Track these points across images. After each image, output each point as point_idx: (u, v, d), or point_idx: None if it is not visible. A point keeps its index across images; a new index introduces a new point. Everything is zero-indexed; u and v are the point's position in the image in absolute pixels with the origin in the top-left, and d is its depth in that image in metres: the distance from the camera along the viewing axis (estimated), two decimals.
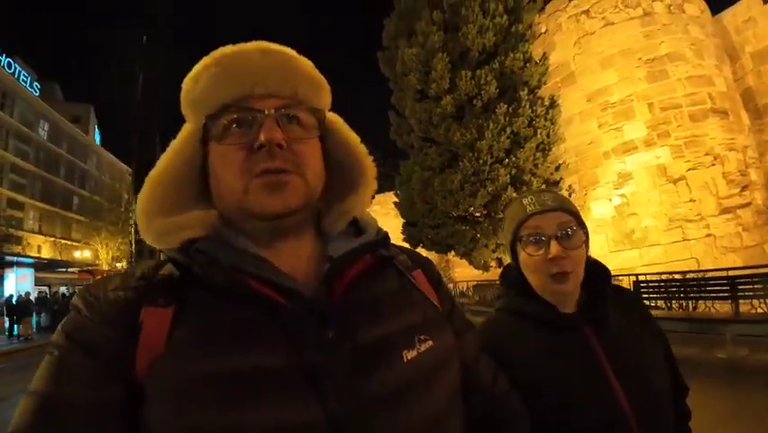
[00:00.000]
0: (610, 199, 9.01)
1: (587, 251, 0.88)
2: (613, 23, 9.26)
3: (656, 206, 8.51)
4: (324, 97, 0.62)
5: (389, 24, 10.73)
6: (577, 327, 0.85)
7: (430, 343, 0.55)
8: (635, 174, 8.71)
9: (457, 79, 8.51)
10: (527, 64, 8.59)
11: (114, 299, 0.49)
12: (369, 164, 0.65)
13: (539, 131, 8.14)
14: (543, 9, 10.07)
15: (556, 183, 8.60)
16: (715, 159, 8.60)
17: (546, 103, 8.61)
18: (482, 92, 8.29)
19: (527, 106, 8.11)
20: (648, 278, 7.43)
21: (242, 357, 0.45)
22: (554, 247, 0.83)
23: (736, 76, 10.41)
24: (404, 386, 0.50)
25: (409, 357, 0.52)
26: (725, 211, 8.46)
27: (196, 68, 0.57)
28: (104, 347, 0.46)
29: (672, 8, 9.46)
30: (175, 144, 0.59)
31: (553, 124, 8.37)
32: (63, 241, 30.74)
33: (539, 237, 0.85)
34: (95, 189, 34.24)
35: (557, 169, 8.58)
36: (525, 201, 0.90)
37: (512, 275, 0.97)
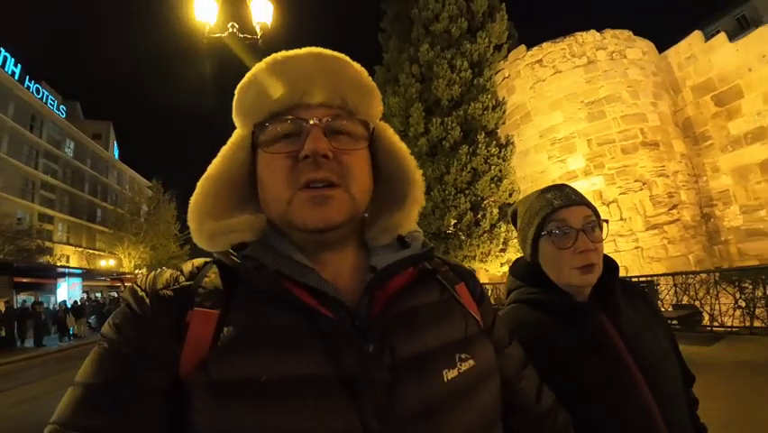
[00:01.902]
0: None
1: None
2: (561, 71, 11.12)
3: None
4: (375, 106, 0.61)
5: (379, 72, 12.80)
6: (593, 314, 0.86)
7: (471, 362, 0.54)
8: None
9: (429, 125, 10.57)
10: (485, 111, 10.63)
11: (163, 296, 0.50)
12: (418, 178, 0.63)
13: (493, 167, 10.18)
14: (506, 57, 11.96)
15: (509, 205, 10.59)
16: (644, 184, 10.41)
17: (502, 142, 10.58)
18: (449, 135, 10.35)
19: (484, 147, 10.14)
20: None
21: (282, 364, 0.45)
22: (583, 240, 0.84)
23: (678, 107, 12.10)
24: (441, 404, 0.49)
25: (450, 377, 0.51)
26: (652, 227, 10.26)
27: (248, 75, 0.57)
28: (151, 343, 0.47)
29: (614, 55, 11.26)
30: (225, 150, 0.59)
31: (504, 161, 10.38)
32: (89, 251, 33.17)
33: (569, 230, 0.86)
34: (116, 202, 36.91)
35: (510, 195, 10.53)
36: (548, 195, 0.92)
37: (522, 268, 1.00)
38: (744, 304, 6.45)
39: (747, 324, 6.30)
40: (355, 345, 0.48)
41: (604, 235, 0.88)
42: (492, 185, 10.23)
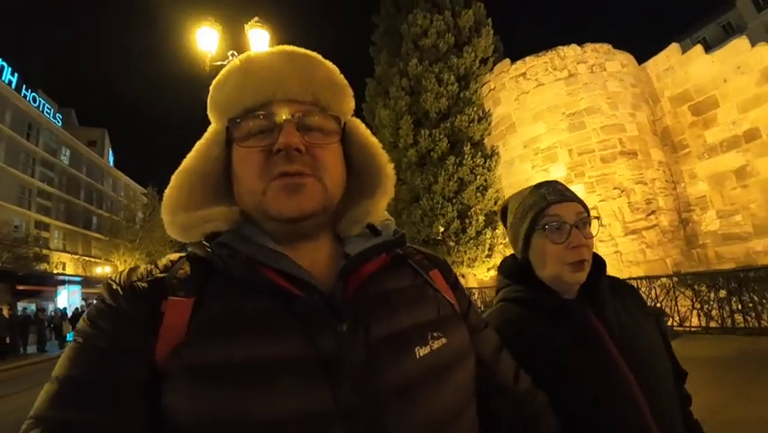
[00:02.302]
0: None
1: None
2: (543, 84, 11.62)
3: None
4: (346, 103, 0.62)
5: (371, 85, 13.27)
6: (580, 310, 0.87)
7: (443, 340, 0.55)
8: None
9: (418, 136, 11.03)
10: (471, 123, 11.11)
11: (137, 288, 0.51)
12: (389, 171, 0.65)
13: (478, 176, 10.66)
14: (491, 70, 12.45)
15: (495, 213, 11.04)
16: (622, 191, 10.90)
17: (488, 153, 11.06)
18: (437, 147, 10.82)
19: (470, 158, 10.61)
20: None
21: (258, 346, 0.46)
22: (577, 235, 0.85)
23: (657, 116, 12.61)
24: (416, 381, 0.50)
25: (422, 354, 0.52)
26: (631, 233, 10.74)
27: (223, 72, 0.59)
28: (126, 335, 0.47)
29: (594, 68, 11.76)
30: (199, 145, 0.60)
31: (489, 171, 10.87)
32: (85, 258, 33.31)
33: (562, 225, 0.86)
34: (111, 209, 37.00)
35: (495, 203, 11.01)
36: (541, 191, 0.92)
37: (510, 266, 1.00)
38: (699, 306, 6.93)
39: (704, 324, 6.78)
40: (330, 325, 0.49)
41: (594, 232, 0.89)
42: (478, 194, 10.72)
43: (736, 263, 10.47)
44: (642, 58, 12.86)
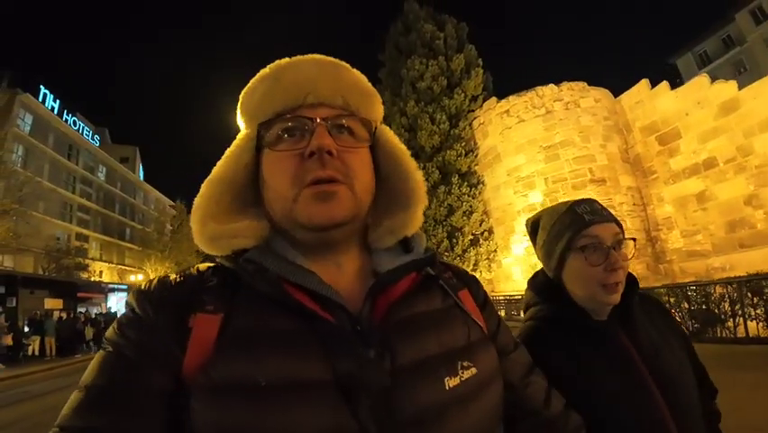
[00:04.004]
0: (522, 243, 13.05)
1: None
2: (524, 120, 13.37)
3: None
4: (375, 109, 0.62)
5: None
6: (611, 332, 0.86)
7: (474, 370, 0.53)
8: None
9: None
10: (459, 157, 12.99)
11: (167, 299, 0.51)
12: (419, 179, 0.63)
13: (464, 203, 12.48)
14: (481, 106, 14.27)
15: (481, 234, 12.84)
16: None
17: (473, 182, 12.88)
18: (430, 177, 12.75)
19: (457, 187, 12.46)
20: None
21: (280, 367, 0.45)
22: (615, 257, 0.83)
23: (629, 145, 14.10)
24: (440, 411, 0.49)
25: (451, 385, 0.50)
26: None
27: (253, 80, 0.59)
28: (153, 345, 0.47)
29: (569, 105, 13.41)
30: (229, 152, 0.59)
31: (474, 198, 12.68)
32: (120, 266, 36.18)
33: (601, 247, 0.84)
34: (143, 221, 40.02)
35: (480, 225, 12.81)
36: (578, 210, 0.89)
37: (541, 282, 0.98)
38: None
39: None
40: (355, 349, 0.48)
41: (629, 254, 0.87)
42: (464, 217, 12.58)
43: (696, 277, 11.66)
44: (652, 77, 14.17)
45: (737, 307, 6.66)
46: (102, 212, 35.66)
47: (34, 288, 17.82)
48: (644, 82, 13.98)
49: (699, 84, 12.18)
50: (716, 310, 6.90)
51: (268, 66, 0.60)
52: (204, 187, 0.58)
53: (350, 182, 0.54)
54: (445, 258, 13.01)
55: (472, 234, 12.67)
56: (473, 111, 14.03)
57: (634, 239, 0.90)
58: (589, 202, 0.92)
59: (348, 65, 0.62)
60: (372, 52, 16.55)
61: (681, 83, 13.06)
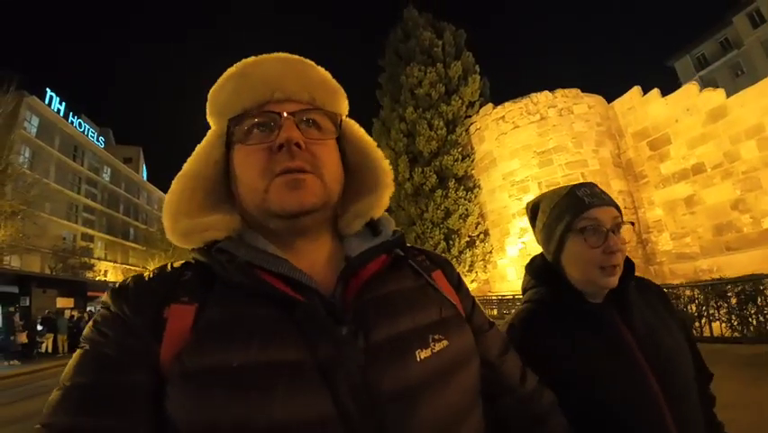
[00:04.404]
0: (516, 245, 13.51)
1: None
2: (519, 126, 13.81)
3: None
4: (341, 103, 0.64)
5: (376, 124, 15.77)
6: (607, 315, 0.88)
7: (445, 342, 0.54)
8: (530, 229, 13.19)
9: (413, 173, 13.43)
10: (456, 162, 13.49)
11: (141, 294, 0.51)
12: (385, 167, 0.66)
13: (461, 206, 12.97)
14: (477, 112, 14.73)
15: (477, 236, 13.32)
16: None
17: (470, 186, 13.37)
18: (427, 181, 13.23)
19: (454, 191, 12.95)
20: None
21: (255, 352, 0.46)
22: (614, 240, 0.84)
23: (622, 150, 14.50)
24: (417, 385, 0.49)
25: (423, 356, 0.51)
26: None
27: (221, 78, 0.60)
28: (130, 341, 0.48)
29: (562, 111, 13.83)
30: (199, 148, 0.60)
31: (470, 202, 13.18)
32: (124, 266, 36.77)
33: (600, 229, 0.85)
34: (147, 221, 40.72)
35: (476, 227, 13.29)
36: (578, 193, 0.90)
37: (538, 265, 1.00)
38: None
39: None
40: (329, 330, 0.49)
41: (627, 238, 0.88)
42: (460, 220, 13.08)
43: (685, 279, 11.91)
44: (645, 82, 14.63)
45: (703, 309, 7.07)
46: (106, 212, 36.29)
47: (47, 287, 18.44)
48: (636, 89, 14.36)
49: (688, 91, 12.52)
50: (685, 311, 7.29)
51: (235, 64, 0.61)
52: (175, 183, 0.59)
53: (318, 172, 0.55)
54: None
55: (468, 237, 13.17)
56: (470, 117, 14.50)
57: (632, 223, 0.91)
58: (590, 186, 0.93)
59: (313, 63, 0.64)
60: (373, 53, 17.03)
61: (679, 86, 13.33)
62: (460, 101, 14.13)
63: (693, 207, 12.17)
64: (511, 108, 13.97)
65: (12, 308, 15.09)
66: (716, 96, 11.73)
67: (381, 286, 0.57)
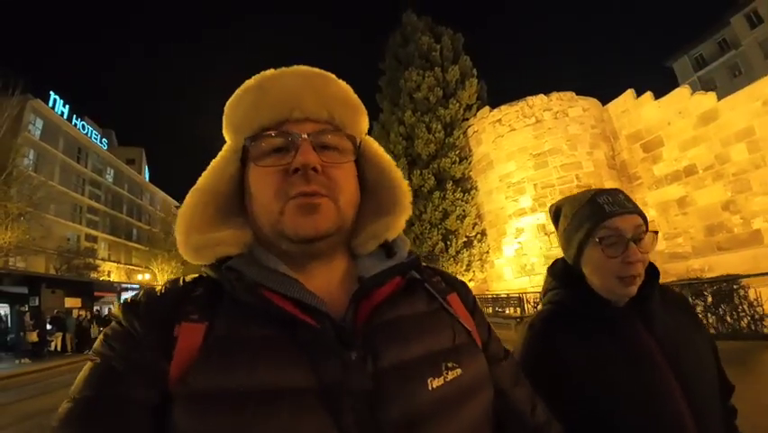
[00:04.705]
0: (513, 245, 13.87)
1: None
2: (515, 129, 14.15)
3: (538, 249, 13.36)
4: (361, 122, 0.62)
5: (376, 127, 16.12)
6: (627, 321, 0.86)
7: (458, 371, 0.53)
8: (526, 229, 13.61)
9: (412, 175, 13.78)
10: (453, 164, 13.84)
11: (153, 311, 0.51)
12: (405, 187, 0.65)
13: (458, 208, 13.33)
14: (475, 115, 15.06)
15: (474, 236, 13.67)
16: None
17: (467, 188, 13.72)
18: (426, 183, 13.59)
19: (451, 193, 13.30)
20: (534, 295, 12.16)
21: (261, 375, 0.45)
22: (634, 250, 0.82)
23: (616, 151, 14.79)
24: (426, 414, 0.48)
25: (435, 385, 0.50)
26: None
27: (238, 92, 0.59)
28: (140, 358, 0.48)
29: (557, 114, 14.16)
30: (215, 163, 0.60)
31: (467, 203, 13.54)
32: (127, 266, 37.16)
33: (620, 239, 0.83)
34: (150, 222, 41.06)
35: (473, 228, 13.63)
36: (600, 200, 0.88)
37: (560, 268, 0.98)
38: None
39: None
40: (337, 354, 0.48)
41: (651, 247, 0.86)
42: (458, 221, 13.47)
43: (677, 278, 11.86)
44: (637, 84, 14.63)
45: None
46: (110, 213, 36.64)
47: (55, 288, 18.90)
48: (630, 92, 14.61)
49: (680, 95, 12.77)
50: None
51: (253, 77, 0.60)
52: (189, 197, 0.59)
53: (334, 196, 0.54)
54: (440, 259, 14.22)
55: (466, 237, 13.54)
56: (467, 119, 14.86)
57: (656, 232, 0.88)
58: (613, 193, 0.91)
59: (334, 76, 0.62)
60: (374, 52, 17.36)
61: (677, 86, 13.52)
62: (457, 104, 14.50)
63: (685, 208, 12.46)
64: (507, 111, 14.32)
65: (23, 308, 15.50)
66: (706, 99, 12.01)
67: (393, 309, 0.55)
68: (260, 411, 0.44)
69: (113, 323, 0.53)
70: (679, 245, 12.91)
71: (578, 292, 0.91)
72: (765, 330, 7.05)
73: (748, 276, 7.80)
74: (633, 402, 0.79)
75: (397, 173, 0.66)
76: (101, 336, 0.52)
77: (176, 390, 0.46)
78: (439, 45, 15.67)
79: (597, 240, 0.86)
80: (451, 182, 13.55)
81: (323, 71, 0.61)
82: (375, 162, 0.65)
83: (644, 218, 0.88)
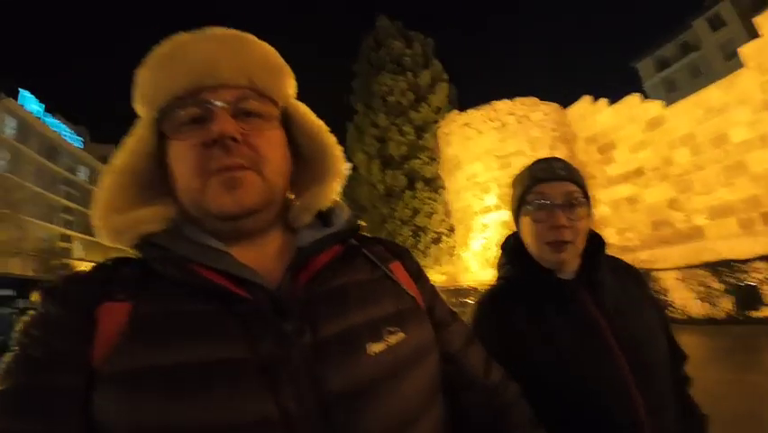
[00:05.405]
0: (479, 240, 14.86)
1: (590, 223, 0.88)
2: (482, 132, 15.06)
3: None
4: (285, 85, 0.59)
5: (350, 129, 16.82)
6: (574, 291, 0.87)
7: (401, 335, 0.52)
8: (491, 225, 14.58)
9: (385, 175, 14.62)
10: (424, 165, 14.77)
11: (72, 293, 0.49)
12: (337, 153, 0.62)
13: (427, 206, 14.24)
14: (444, 117, 15.89)
15: (443, 233, 14.64)
16: None
17: (436, 187, 14.63)
18: (398, 184, 14.41)
19: (422, 192, 14.22)
20: None
21: (191, 351, 0.44)
22: (559, 216, 0.84)
23: (574, 153, 15.78)
24: (369, 381, 0.47)
25: (375, 350, 0.49)
26: None
27: (148, 59, 0.54)
28: (58, 342, 0.45)
29: (520, 119, 15.07)
30: (129, 140, 0.55)
31: (436, 201, 14.46)
32: None
33: (545, 204, 0.85)
34: None
35: (440, 224, 14.58)
36: (535, 167, 0.92)
37: (510, 243, 1.00)
38: None
39: None
40: (274, 326, 0.47)
41: (583, 215, 0.86)
42: (427, 218, 14.40)
43: None
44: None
45: None
46: (85, 212, 35.99)
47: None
48: (587, 98, 15.62)
49: (630, 102, 13.78)
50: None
51: (165, 42, 0.54)
52: (105, 178, 0.54)
53: (258, 167, 0.52)
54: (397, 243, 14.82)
55: (435, 233, 14.49)
56: (438, 122, 15.73)
57: (587, 197, 0.89)
58: (549, 161, 0.92)
59: (254, 37, 0.57)
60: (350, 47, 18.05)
61: (641, 85, 14.48)
62: (428, 107, 15.39)
63: (634, 205, 13.50)
64: (475, 115, 15.24)
65: (11, 310, 15.56)
66: (654, 106, 13.09)
67: (333, 278, 0.54)
68: (191, 388, 0.42)
69: (31, 310, 0.49)
70: (629, 239, 13.99)
71: (526, 266, 0.92)
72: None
73: (665, 270, 8.84)
74: (579, 371, 0.80)
75: (329, 138, 0.63)
76: (20, 326, 0.48)
77: (101, 372, 0.44)
78: (410, 50, 16.50)
79: (528, 205, 0.89)
80: (421, 182, 14.48)
81: (240, 32, 0.57)
82: (306, 128, 0.61)
83: (582, 187, 0.89)
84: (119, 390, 0.43)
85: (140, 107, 0.56)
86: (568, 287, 0.88)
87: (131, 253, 0.54)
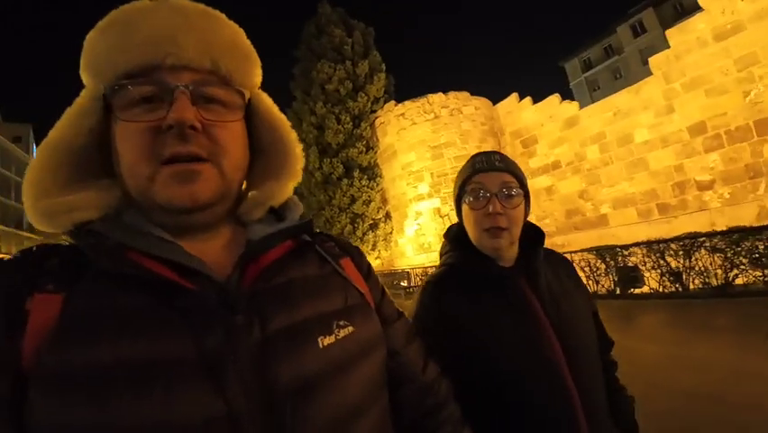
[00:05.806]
0: (413, 226, 15.69)
1: (526, 213, 0.95)
2: (416, 123, 15.74)
3: (434, 230, 15.18)
4: (253, 74, 0.55)
5: (289, 114, 16.76)
6: (512, 278, 0.91)
7: (350, 329, 0.52)
8: (424, 213, 15.42)
9: (323, 163, 14.90)
10: (360, 154, 15.22)
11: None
12: (297, 152, 0.61)
13: (364, 194, 14.80)
14: (382, 107, 16.39)
15: (380, 219, 15.29)
16: None
17: (372, 175, 15.17)
18: (335, 171, 14.82)
19: (358, 180, 14.70)
20: (422, 270, 13.76)
21: (129, 347, 0.40)
22: (495, 203, 0.89)
23: (501, 146, 16.88)
24: (318, 375, 0.46)
25: (326, 343, 0.48)
26: None
27: (101, 24, 0.49)
28: None
29: (453, 111, 15.88)
30: (70, 112, 0.50)
31: (372, 189, 15.05)
32: None
33: (481, 193, 0.91)
34: None
35: (377, 212, 15.19)
36: (475, 159, 0.97)
37: (453, 231, 1.04)
38: None
39: None
40: (220, 319, 0.44)
41: (517, 204, 0.92)
42: (364, 206, 14.98)
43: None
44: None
45: None
46: None
47: None
48: (514, 96, 16.71)
49: (551, 102, 14.95)
50: None
51: (122, 7, 0.49)
52: (38, 154, 0.49)
53: (217, 160, 0.48)
54: (349, 241, 15.10)
55: (372, 220, 15.05)
56: (375, 112, 16.19)
57: (524, 188, 0.95)
58: (488, 154, 0.97)
59: (223, 16, 0.53)
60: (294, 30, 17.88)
61: (568, 84, 15.59)
62: (366, 98, 15.78)
63: (552, 195, 14.82)
64: (410, 107, 15.87)
65: None
66: (571, 107, 14.35)
67: (282, 273, 0.52)
68: (129, 389, 0.39)
69: None
70: (546, 226, 15.29)
71: (467, 253, 0.96)
72: None
73: (574, 252, 10.10)
74: (515, 353, 0.84)
75: (291, 135, 0.60)
76: None
77: (30, 372, 0.40)
78: (351, 39, 16.72)
79: (467, 194, 0.94)
80: (358, 170, 14.90)
81: (209, 8, 0.52)
82: (268, 122, 0.58)
83: (518, 178, 0.95)
84: (51, 392, 0.39)
85: (85, 76, 0.51)
86: (506, 273, 0.93)
87: (63, 239, 0.51)
